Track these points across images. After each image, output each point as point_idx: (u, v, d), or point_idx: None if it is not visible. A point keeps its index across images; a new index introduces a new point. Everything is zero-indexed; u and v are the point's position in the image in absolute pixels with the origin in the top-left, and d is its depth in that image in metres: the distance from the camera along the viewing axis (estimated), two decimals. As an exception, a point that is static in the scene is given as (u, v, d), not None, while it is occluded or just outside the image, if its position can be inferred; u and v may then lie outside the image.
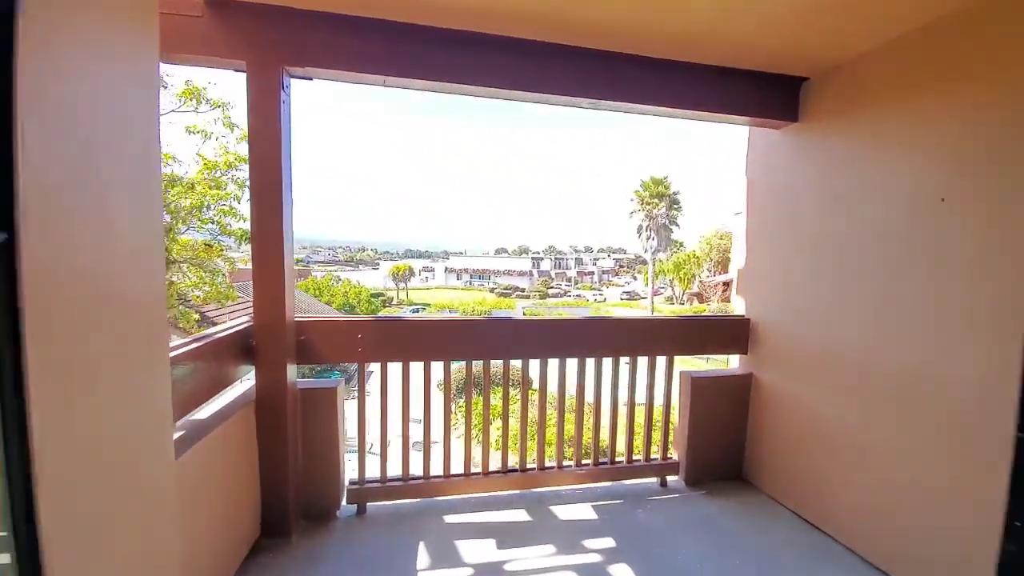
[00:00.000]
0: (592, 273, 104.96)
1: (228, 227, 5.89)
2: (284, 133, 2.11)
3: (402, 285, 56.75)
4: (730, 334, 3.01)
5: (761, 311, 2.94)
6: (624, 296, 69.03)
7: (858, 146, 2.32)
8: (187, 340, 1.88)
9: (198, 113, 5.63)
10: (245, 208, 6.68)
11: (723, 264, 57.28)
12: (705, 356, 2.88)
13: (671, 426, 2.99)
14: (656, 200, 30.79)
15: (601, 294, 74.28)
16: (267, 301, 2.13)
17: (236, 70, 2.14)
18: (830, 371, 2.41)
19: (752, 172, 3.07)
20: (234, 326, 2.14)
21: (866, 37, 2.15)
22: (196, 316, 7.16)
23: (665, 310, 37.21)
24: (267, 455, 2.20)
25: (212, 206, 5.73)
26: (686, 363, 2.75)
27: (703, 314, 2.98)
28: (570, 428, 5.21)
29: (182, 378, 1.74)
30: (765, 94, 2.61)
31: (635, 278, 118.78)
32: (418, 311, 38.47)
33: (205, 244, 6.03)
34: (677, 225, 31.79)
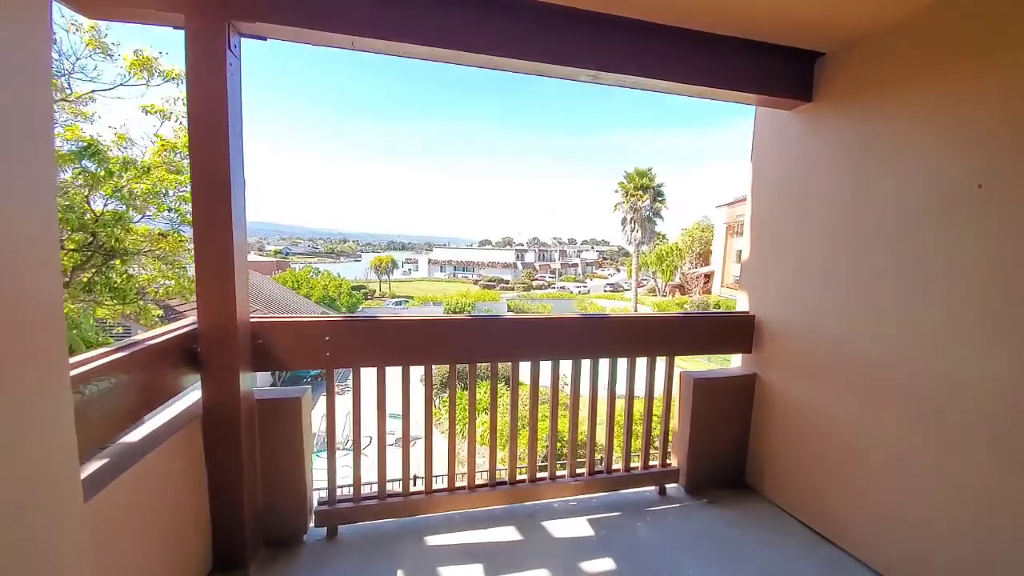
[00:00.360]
0: (576, 265, 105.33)
1: (188, 215, 5.42)
2: (232, 103, 1.78)
3: (384, 277, 55.87)
4: (733, 332, 2.81)
5: (767, 307, 2.74)
6: (608, 288, 69.45)
7: (880, 128, 2.11)
8: (109, 349, 1.57)
9: (149, 87, 5.13)
10: None
11: (704, 256, 58.10)
12: (707, 355, 2.71)
13: (671, 431, 2.79)
14: (640, 192, 30.77)
15: (585, 286, 74.60)
16: (213, 299, 1.82)
17: (174, 27, 1.81)
18: (844, 372, 2.23)
19: (759, 156, 2.86)
20: (173, 329, 1.83)
21: (891, 5, 1.93)
22: (158, 312, 6.67)
23: (648, 302, 37.45)
24: (218, 477, 1.90)
25: (171, 192, 5.26)
26: (687, 362, 2.48)
27: (705, 311, 2.80)
28: (563, 435, 4.98)
29: (102, 396, 1.43)
30: (776, 70, 2.38)
31: (618, 270, 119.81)
32: (401, 304, 37.89)
33: (160, 234, 5.56)
34: (661, 217, 31.94)
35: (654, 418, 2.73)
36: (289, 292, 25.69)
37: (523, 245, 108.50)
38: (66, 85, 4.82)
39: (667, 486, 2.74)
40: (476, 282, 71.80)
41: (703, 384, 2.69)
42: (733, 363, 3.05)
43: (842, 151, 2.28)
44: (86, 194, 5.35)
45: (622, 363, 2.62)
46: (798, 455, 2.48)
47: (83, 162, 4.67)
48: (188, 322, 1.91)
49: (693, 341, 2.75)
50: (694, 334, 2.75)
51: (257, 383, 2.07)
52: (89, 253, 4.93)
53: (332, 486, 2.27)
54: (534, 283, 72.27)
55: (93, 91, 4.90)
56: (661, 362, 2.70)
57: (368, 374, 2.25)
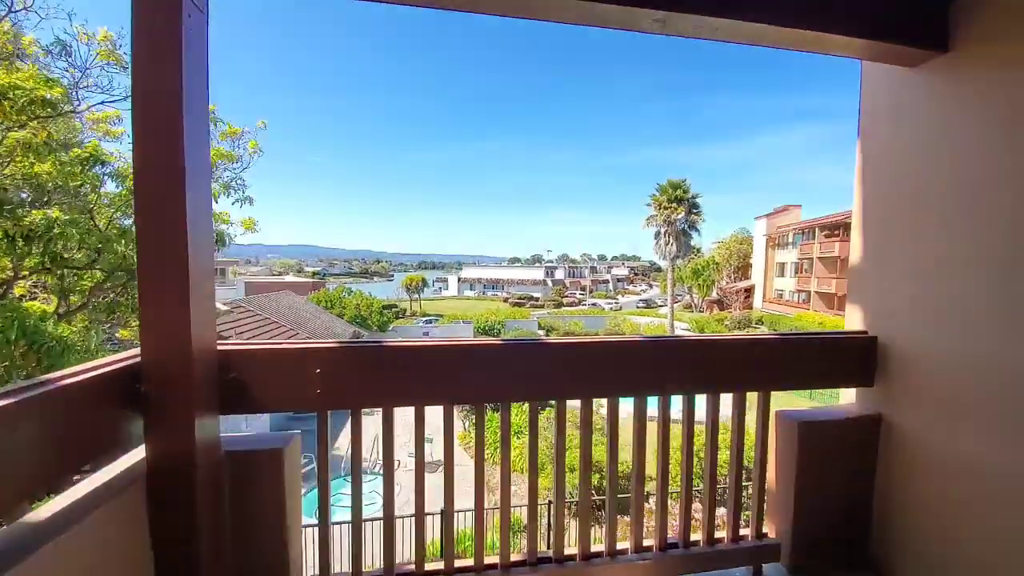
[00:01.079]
0: (607, 281, 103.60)
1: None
2: (191, 70, 1.35)
3: (415, 296, 56.42)
4: (846, 359, 2.14)
5: (895, 326, 2.07)
6: (641, 304, 67.57)
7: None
8: (3, 390, 1.12)
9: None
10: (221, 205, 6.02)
11: (743, 270, 55.75)
12: (807, 390, 2.08)
13: (767, 490, 2.13)
14: (674, 204, 29.76)
15: (616, 302, 72.96)
16: (163, 323, 1.36)
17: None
18: (1018, 411, 1.55)
19: (871, 134, 2.23)
20: (106, 364, 1.37)
21: None
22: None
23: (685, 318, 35.88)
24: (167, 557, 1.41)
25: None
26: (779, 400, 1.81)
27: (808, 331, 2.18)
28: (622, 486, 4.29)
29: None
30: (894, 7, 1.79)
31: (651, 286, 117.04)
32: (431, 322, 37.88)
33: None
34: (697, 230, 30.72)
35: (745, 472, 2.08)
36: (322, 311, 26.04)
37: (552, 262, 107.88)
38: (76, 98, 4.77)
39: (764, 566, 2.07)
40: (506, 300, 71.51)
41: (812, 429, 2.03)
42: (843, 399, 2.37)
43: (1000, 118, 1.64)
44: (112, 213, 5.24)
45: (699, 400, 2.02)
46: (947, 527, 1.78)
47: (95, 169, 4.55)
48: (129, 354, 1.45)
49: (794, 371, 2.11)
50: (795, 362, 2.10)
51: (260, 422, 1.59)
52: (107, 272, 4.76)
53: (325, 564, 1.74)
54: (564, 300, 71.26)
55: (103, 102, 4.83)
56: (745, 398, 2.07)
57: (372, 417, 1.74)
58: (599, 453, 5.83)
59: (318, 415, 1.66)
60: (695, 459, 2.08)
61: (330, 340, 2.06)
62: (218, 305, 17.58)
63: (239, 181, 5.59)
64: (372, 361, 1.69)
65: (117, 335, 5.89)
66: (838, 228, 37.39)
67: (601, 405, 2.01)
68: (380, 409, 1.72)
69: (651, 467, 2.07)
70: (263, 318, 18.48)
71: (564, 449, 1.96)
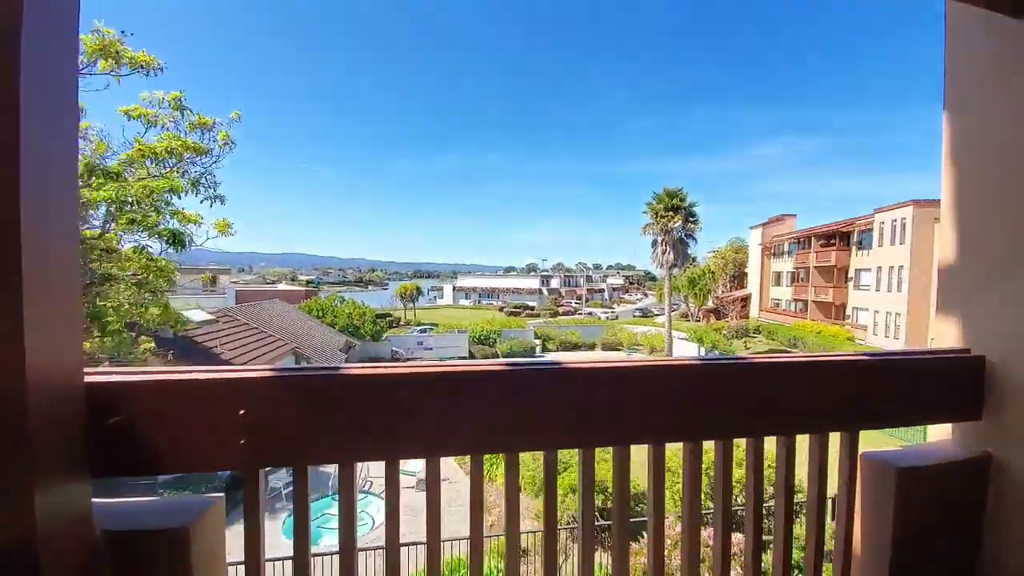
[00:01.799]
0: (602, 290, 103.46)
1: (158, 227, 4.67)
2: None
3: (410, 305, 55.72)
4: (945, 385, 1.68)
5: (1009, 342, 1.61)
6: (637, 313, 67.30)
7: None
8: None
9: (120, 78, 4.46)
10: (189, 205, 5.51)
11: (739, 279, 55.67)
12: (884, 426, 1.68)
13: (853, 557, 1.64)
14: (671, 213, 29.54)
15: (613, 312, 72.64)
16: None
17: None
18: None
19: (960, 108, 1.79)
20: None
21: None
22: (148, 344, 5.92)
23: (683, 327, 35.50)
24: None
25: (140, 201, 4.51)
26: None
27: (901, 351, 1.71)
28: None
29: None
30: None
31: (646, 295, 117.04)
32: (426, 331, 37.24)
33: (137, 253, 4.81)
34: (694, 239, 30.47)
35: (825, 533, 1.60)
36: (313, 320, 25.40)
37: (548, 271, 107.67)
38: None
39: (852, 658, 1.57)
40: (501, 309, 70.92)
41: (913, 476, 1.55)
42: (932, 436, 1.90)
43: None
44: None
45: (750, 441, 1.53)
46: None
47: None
48: None
49: (887, 401, 1.63)
50: (887, 389, 1.63)
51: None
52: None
53: None
54: (560, 309, 70.83)
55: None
56: (827, 440, 1.59)
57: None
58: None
59: (244, 478, 1.16)
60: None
61: (262, 366, 1.49)
62: (202, 314, 16.92)
63: (209, 177, 5.10)
64: (323, 397, 1.18)
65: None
66: (833, 237, 37.37)
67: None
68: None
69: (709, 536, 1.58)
70: (249, 328, 17.84)
71: (593, 524, 1.46)
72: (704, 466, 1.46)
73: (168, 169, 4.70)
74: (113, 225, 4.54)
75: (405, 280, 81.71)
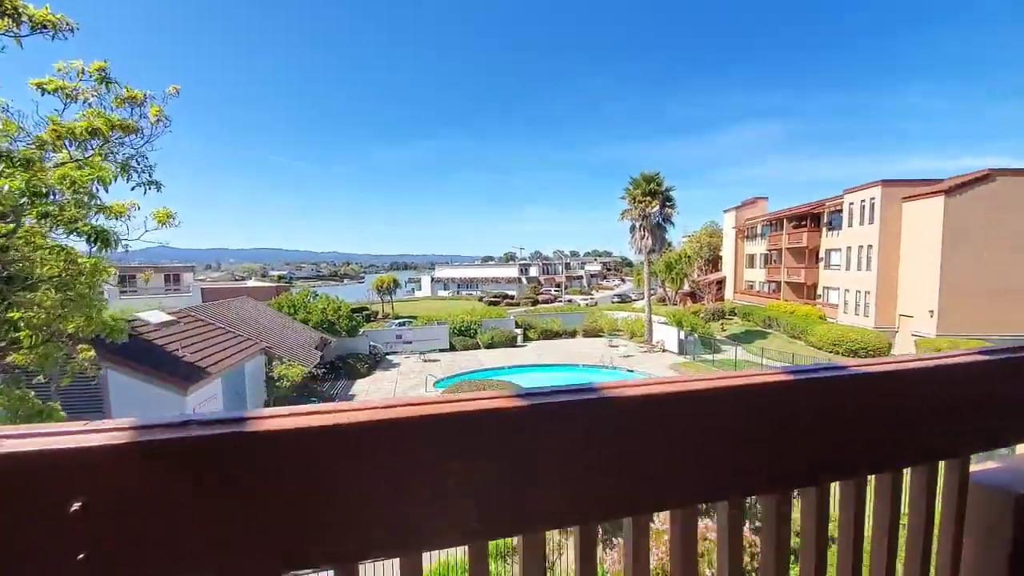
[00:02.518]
0: (580, 277, 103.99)
1: (77, 223, 3.94)
2: None
3: (387, 298, 54.52)
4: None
5: None
6: (615, 299, 67.83)
7: None
8: None
9: (21, 40, 3.71)
10: (118, 194, 4.78)
11: (714, 263, 56.59)
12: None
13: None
14: (648, 198, 29.45)
15: (592, 298, 72.99)
16: None
17: None
18: None
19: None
20: None
21: None
22: (88, 352, 5.20)
23: (661, 312, 35.78)
24: None
25: (57, 192, 3.83)
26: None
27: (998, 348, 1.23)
28: None
29: None
30: None
31: (623, 280, 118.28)
32: (404, 324, 36.41)
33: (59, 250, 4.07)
34: (672, 224, 30.52)
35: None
36: (285, 318, 24.34)
37: (526, 260, 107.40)
38: None
39: None
40: (481, 299, 70.34)
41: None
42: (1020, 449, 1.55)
43: None
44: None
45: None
46: None
47: None
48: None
49: (986, 414, 1.25)
50: (997, 397, 1.25)
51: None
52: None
53: None
54: (540, 297, 70.77)
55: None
56: (938, 469, 1.21)
57: None
58: None
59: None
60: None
61: (110, 423, 0.63)
62: (161, 315, 15.81)
63: (141, 160, 4.38)
64: (217, 474, 0.70)
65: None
66: (805, 219, 38.17)
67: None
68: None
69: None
70: (215, 327, 16.82)
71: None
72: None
73: (91, 152, 3.99)
74: (23, 221, 3.83)
75: (382, 272, 79.98)
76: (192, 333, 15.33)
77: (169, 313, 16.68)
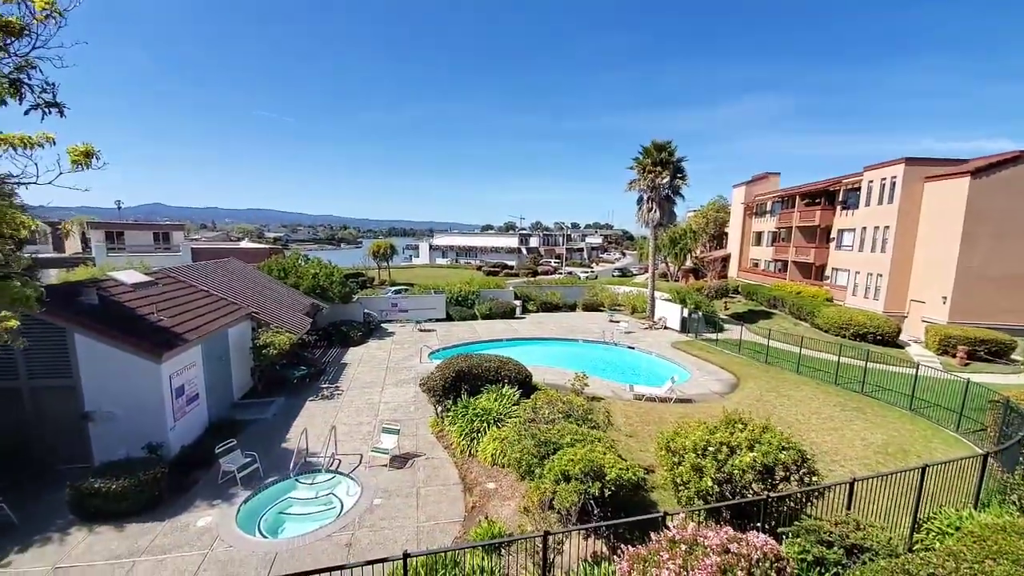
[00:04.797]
0: (581, 250, 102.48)
1: None
2: None
3: (384, 264, 53.32)
4: None
5: None
6: (616, 273, 66.82)
7: None
8: None
9: None
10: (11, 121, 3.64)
11: (719, 239, 55.30)
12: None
13: None
14: (659, 168, 27.93)
15: (592, 271, 71.96)
16: None
17: None
18: None
19: None
20: None
21: None
22: (12, 323, 4.21)
23: (664, 287, 34.88)
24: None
25: None
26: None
27: None
28: None
29: None
30: None
31: (624, 254, 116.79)
32: (401, 292, 35.46)
33: None
34: (682, 196, 29.11)
35: None
36: (276, 283, 23.30)
37: (526, 230, 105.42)
38: None
39: None
40: (479, 268, 69.23)
41: None
42: None
43: None
44: None
45: None
46: None
47: None
48: None
49: None
50: None
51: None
52: None
53: None
54: (539, 269, 69.68)
55: None
56: None
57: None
58: None
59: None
60: None
61: None
62: (137, 276, 14.68)
63: (31, 71, 3.26)
64: None
65: None
66: (819, 196, 36.73)
67: None
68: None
69: None
70: (196, 290, 15.80)
71: None
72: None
73: None
74: None
75: (380, 238, 78.24)
76: (170, 296, 14.32)
77: (147, 274, 15.61)
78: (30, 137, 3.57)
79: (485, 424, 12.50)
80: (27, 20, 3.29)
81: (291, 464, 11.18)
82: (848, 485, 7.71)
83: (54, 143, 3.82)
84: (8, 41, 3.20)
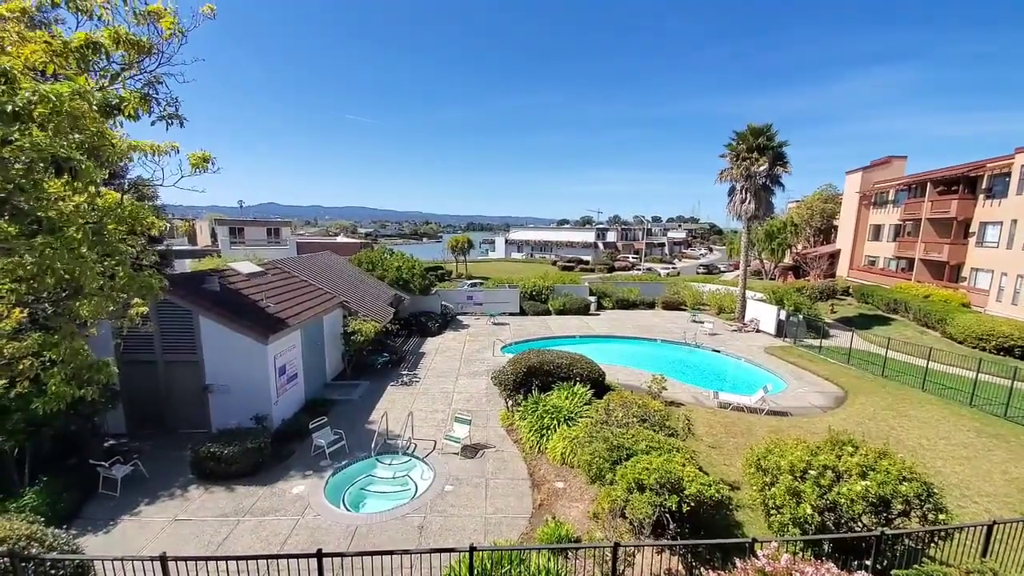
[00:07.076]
0: (662, 245, 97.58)
1: (44, 150, 3.28)
2: None
3: (461, 258, 55.19)
4: None
5: None
6: (700, 270, 62.61)
7: None
8: None
9: None
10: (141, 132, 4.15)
11: (826, 233, 49.25)
12: None
13: None
14: (755, 154, 25.42)
15: (674, 267, 68.21)
16: None
17: None
18: None
19: None
20: None
21: None
22: (143, 309, 4.90)
23: (757, 286, 31.89)
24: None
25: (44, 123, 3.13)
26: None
27: None
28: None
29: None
30: None
31: (710, 249, 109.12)
32: (476, 285, 36.41)
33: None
34: (781, 185, 26.26)
35: None
36: (364, 274, 25.11)
37: (603, 224, 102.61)
38: None
39: None
40: (554, 263, 68.86)
41: None
42: None
43: None
44: None
45: None
46: None
47: None
48: None
49: None
50: None
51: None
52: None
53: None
54: (616, 264, 67.52)
55: None
56: None
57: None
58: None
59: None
60: None
61: None
62: (251, 266, 16.57)
63: (158, 86, 3.71)
64: None
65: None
66: (956, 183, 31.11)
67: None
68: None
69: None
70: (298, 280, 17.51)
71: None
72: None
73: (98, 75, 3.41)
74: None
75: (459, 232, 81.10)
76: (277, 285, 16.00)
77: (259, 265, 17.60)
78: (159, 145, 4.11)
79: (555, 422, 12.33)
80: (155, 40, 3.78)
81: (373, 444, 11.95)
82: (986, 528, 6.40)
83: (178, 151, 4.34)
84: (140, 59, 3.71)
